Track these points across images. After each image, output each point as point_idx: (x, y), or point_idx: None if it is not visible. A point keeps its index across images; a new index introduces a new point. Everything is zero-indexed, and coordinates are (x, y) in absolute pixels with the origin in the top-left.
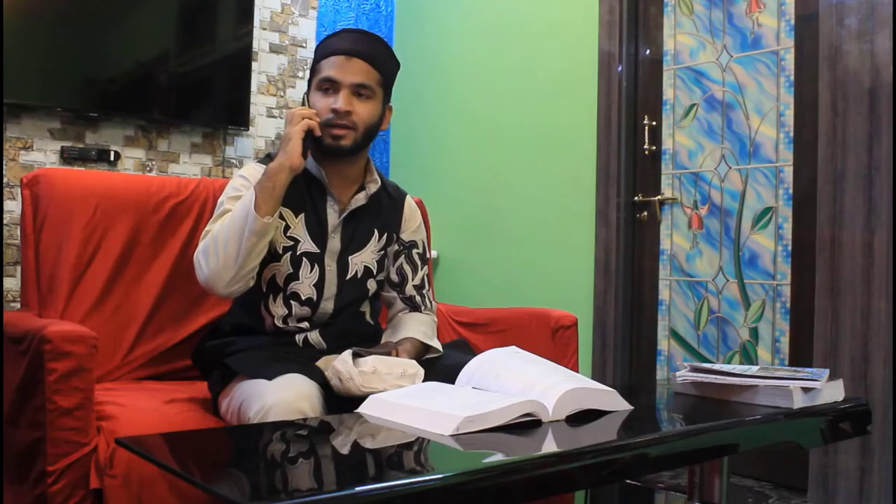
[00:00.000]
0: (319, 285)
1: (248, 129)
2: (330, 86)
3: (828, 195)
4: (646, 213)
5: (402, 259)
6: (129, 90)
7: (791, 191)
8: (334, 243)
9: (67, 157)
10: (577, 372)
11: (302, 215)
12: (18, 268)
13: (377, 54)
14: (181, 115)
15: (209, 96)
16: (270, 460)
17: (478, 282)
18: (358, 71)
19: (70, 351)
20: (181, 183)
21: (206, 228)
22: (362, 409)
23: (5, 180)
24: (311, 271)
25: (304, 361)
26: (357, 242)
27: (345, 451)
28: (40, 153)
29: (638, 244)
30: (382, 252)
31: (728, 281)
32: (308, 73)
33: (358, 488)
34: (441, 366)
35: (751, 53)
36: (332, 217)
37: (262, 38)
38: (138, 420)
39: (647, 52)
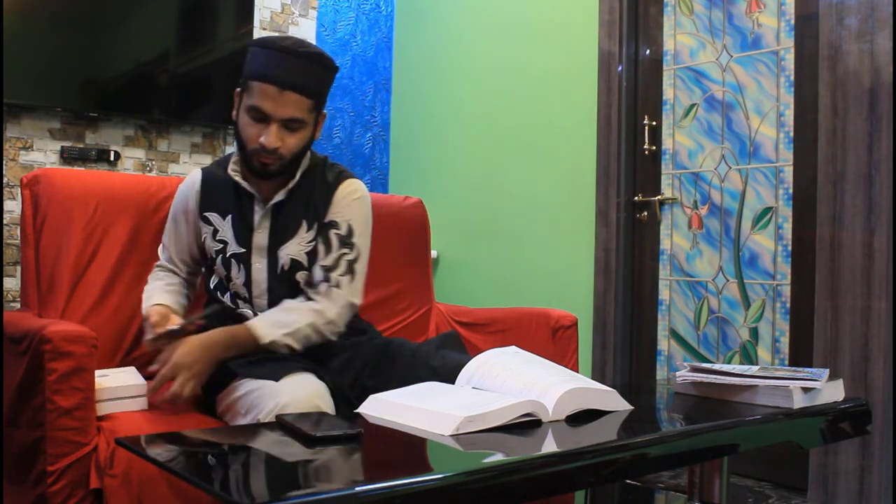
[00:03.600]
0: (248, 284)
1: None
2: (261, 116)
3: (828, 195)
4: (646, 213)
5: (318, 240)
6: (129, 90)
7: (791, 191)
8: (260, 239)
9: (67, 157)
10: (577, 372)
11: (229, 217)
12: (18, 268)
13: (312, 81)
14: (181, 115)
15: (209, 96)
16: (270, 460)
17: (478, 282)
18: (290, 105)
19: (70, 351)
20: None
21: (158, 255)
22: (362, 409)
23: (5, 180)
24: (239, 271)
25: (299, 363)
26: (283, 235)
27: (345, 450)
28: (40, 153)
29: (638, 244)
30: (313, 242)
31: (728, 281)
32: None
33: (358, 488)
34: (439, 366)
35: (751, 53)
36: (258, 213)
37: None
38: (138, 420)
39: (647, 52)
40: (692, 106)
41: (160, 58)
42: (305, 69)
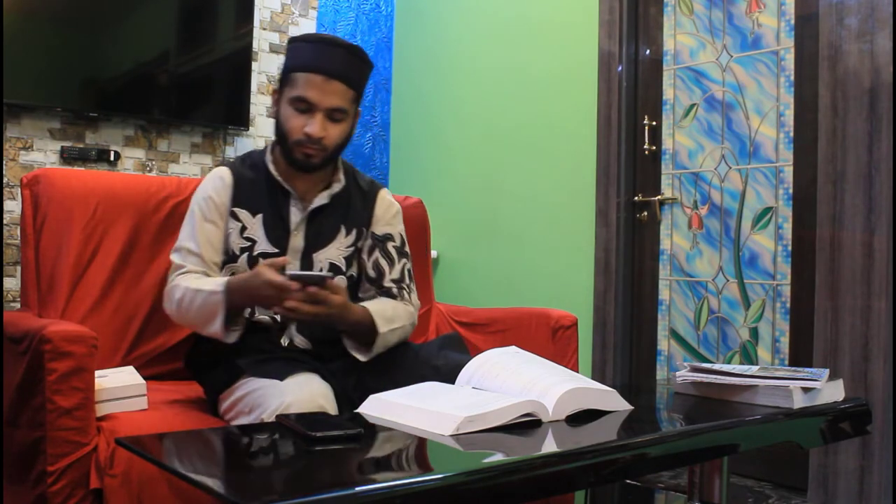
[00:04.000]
0: None
1: (247, 129)
2: (306, 106)
3: (828, 195)
4: (646, 213)
5: (376, 253)
6: (129, 90)
7: (791, 191)
8: (297, 241)
9: (67, 157)
10: (577, 372)
11: (260, 216)
12: (18, 268)
13: (354, 73)
14: (181, 115)
15: (209, 96)
16: (270, 460)
17: (478, 282)
18: (335, 94)
19: (70, 351)
20: (181, 183)
21: (176, 264)
22: (362, 409)
23: (5, 180)
24: None
25: (303, 363)
26: (322, 239)
27: (345, 451)
28: (40, 153)
29: (638, 244)
30: (352, 248)
31: (728, 281)
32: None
33: (358, 488)
34: (436, 367)
35: (751, 53)
36: (296, 215)
37: (262, 38)
38: (138, 420)
39: (647, 52)
40: (692, 106)
41: (160, 58)
42: (349, 60)
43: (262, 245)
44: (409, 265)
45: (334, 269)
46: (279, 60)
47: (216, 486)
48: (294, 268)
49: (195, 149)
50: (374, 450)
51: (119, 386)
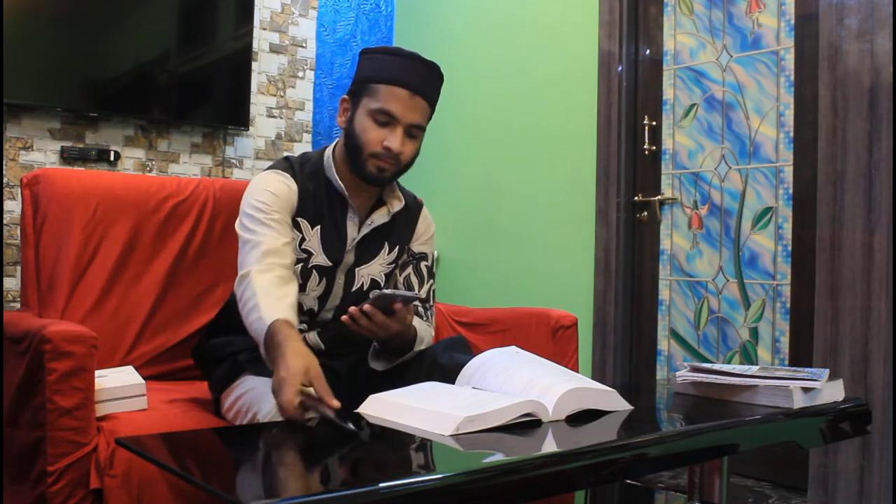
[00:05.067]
0: (324, 298)
1: (248, 129)
2: (387, 120)
3: (828, 195)
4: (646, 213)
5: (409, 270)
6: (129, 90)
7: (791, 191)
8: (350, 256)
9: (67, 157)
10: (577, 372)
11: (318, 227)
12: (18, 268)
13: (435, 91)
14: (181, 115)
15: (209, 96)
16: (270, 460)
17: (478, 282)
18: (418, 111)
19: (70, 351)
20: (181, 183)
21: (253, 240)
22: (362, 409)
23: (5, 180)
24: (318, 284)
25: None
26: (367, 255)
27: (344, 451)
28: (40, 153)
29: (638, 244)
30: (393, 265)
31: (728, 281)
32: (354, 80)
33: (358, 489)
34: (441, 366)
35: (751, 53)
36: (352, 231)
37: (262, 38)
38: (138, 420)
39: (647, 52)
40: (692, 106)
41: (160, 58)
42: (431, 78)
43: (319, 258)
44: (434, 286)
45: (374, 284)
46: (279, 60)
47: (216, 486)
48: (340, 282)
49: (195, 149)
50: (374, 450)
51: (119, 386)
